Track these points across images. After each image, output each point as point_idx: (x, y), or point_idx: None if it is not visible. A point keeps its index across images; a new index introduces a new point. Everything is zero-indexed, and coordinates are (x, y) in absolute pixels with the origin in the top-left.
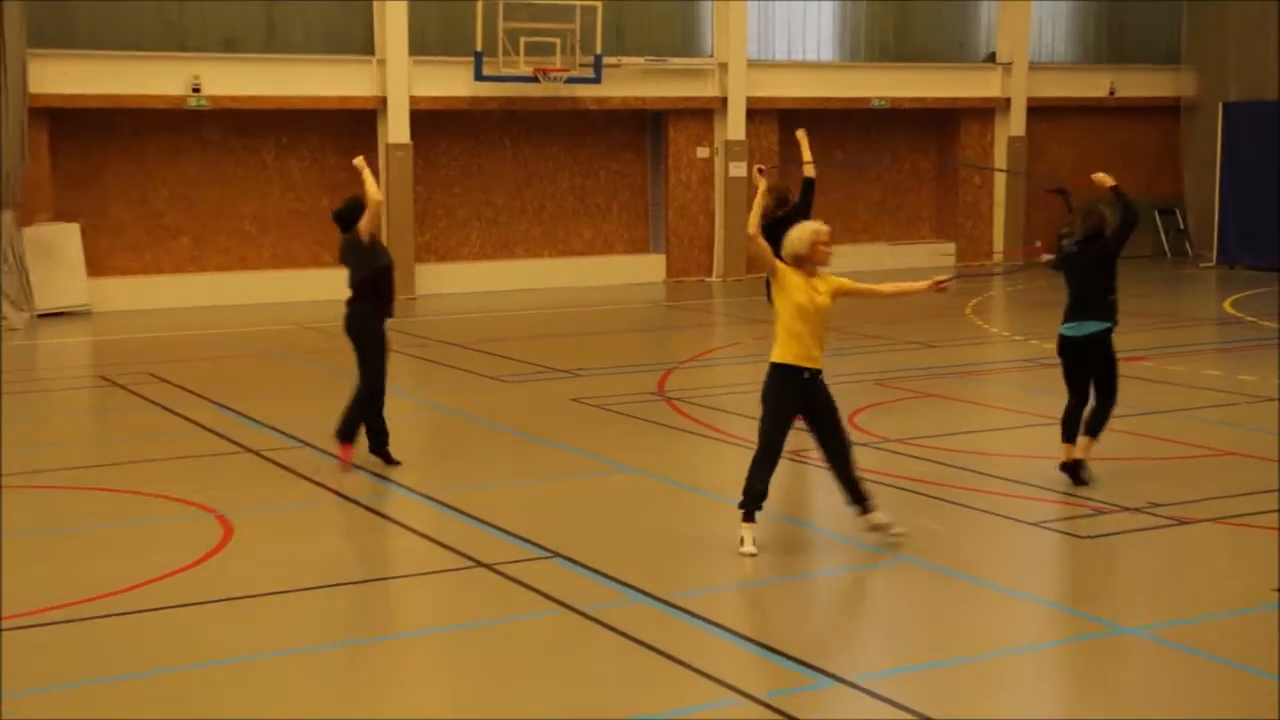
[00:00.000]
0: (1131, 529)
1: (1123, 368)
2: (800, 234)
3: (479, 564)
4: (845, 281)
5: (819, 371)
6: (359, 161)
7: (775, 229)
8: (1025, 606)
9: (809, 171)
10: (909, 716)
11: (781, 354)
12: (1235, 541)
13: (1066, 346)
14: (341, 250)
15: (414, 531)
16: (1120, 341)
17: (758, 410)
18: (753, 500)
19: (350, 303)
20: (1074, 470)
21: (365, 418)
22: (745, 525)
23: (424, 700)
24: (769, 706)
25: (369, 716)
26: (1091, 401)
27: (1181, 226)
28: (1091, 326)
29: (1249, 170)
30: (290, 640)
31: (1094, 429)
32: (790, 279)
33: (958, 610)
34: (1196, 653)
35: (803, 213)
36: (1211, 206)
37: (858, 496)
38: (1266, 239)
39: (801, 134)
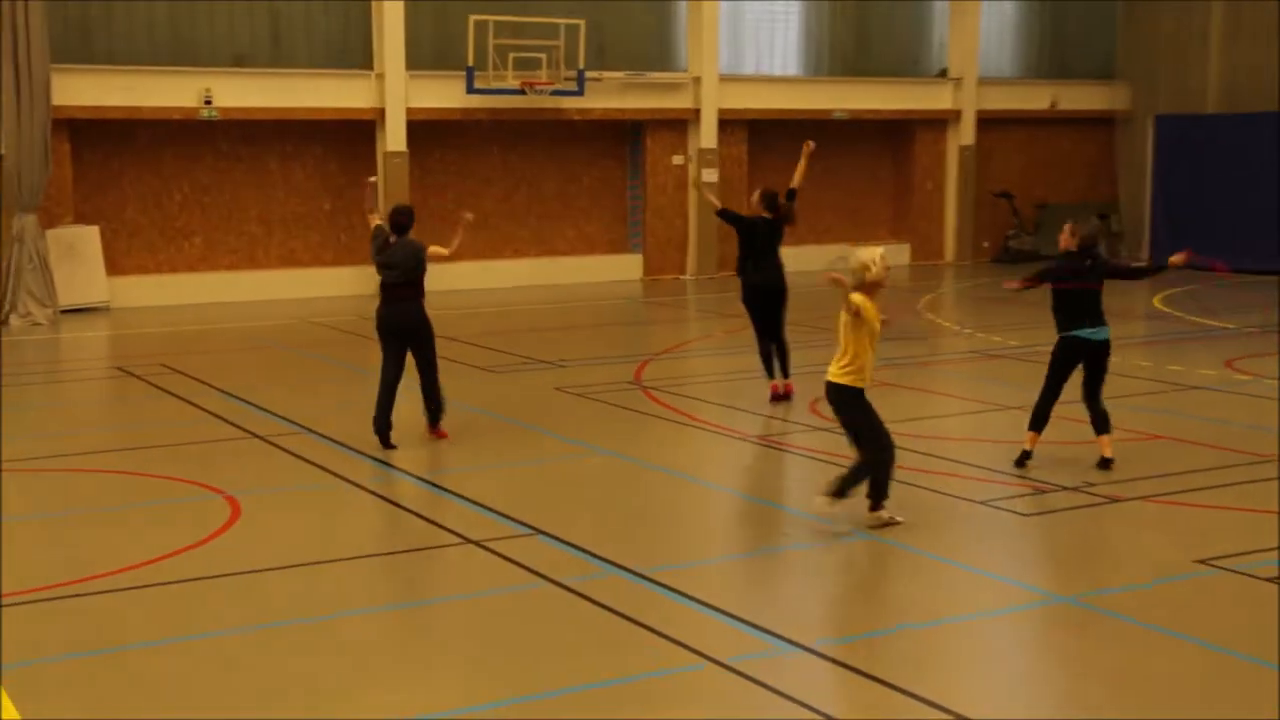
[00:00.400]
0: (1069, 507)
1: None
2: (874, 257)
3: (469, 541)
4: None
5: None
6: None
7: (762, 229)
8: (971, 578)
9: (796, 183)
10: (862, 679)
11: (856, 380)
12: (1162, 517)
13: (1079, 348)
14: (391, 248)
15: (409, 510)
16: (1056, 334)
17: (728, 398)
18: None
19: (401, 298)
20: (1024, 459)
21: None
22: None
23: (419, 665)
24: (733, 670)
25: (368, 681)
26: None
27: (1116, 229)
28: (1105, 332)
29: (1177, 177)
30: (294, 612)
31: (1105, 427)
32: (868, 309)
33: (909, 582)
34: (1125, 618)
35: (787, 218)
36: (1143, 211)
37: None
38: (1193, 241)
39: (807, 148)
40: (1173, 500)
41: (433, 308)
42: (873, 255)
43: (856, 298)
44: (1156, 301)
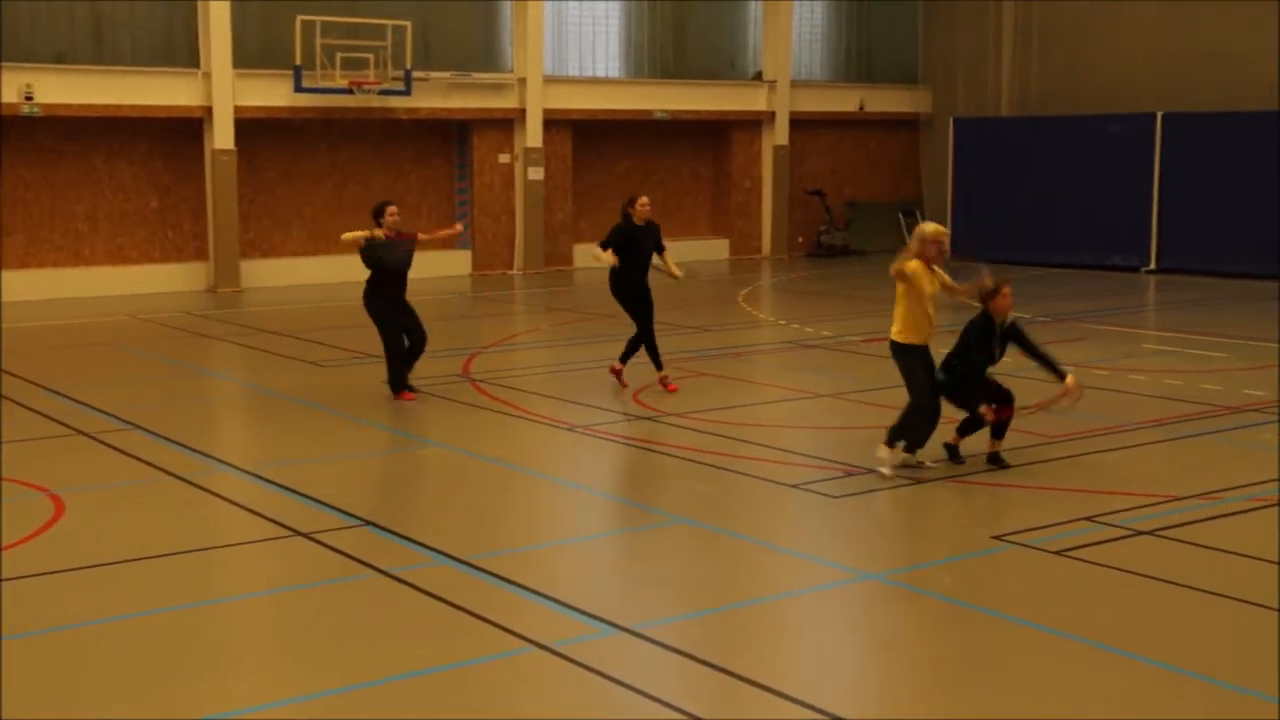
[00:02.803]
0: (875, 488)
1: (867, 347)
2: (923, 231)
3: (297, 533)
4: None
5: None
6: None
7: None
8: (784, 559)
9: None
10: (685, 659)
11: (905, 337)
12: (962, 498)
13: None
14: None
15: (237, 504)
16: (866, 324)
17: (554, 389)
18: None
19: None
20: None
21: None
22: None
23: (244, 658)
24: (558, 654)
25: (193, 676)
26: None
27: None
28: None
29: (975, 176)
30: (122, 607)
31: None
32: (917, 274)
33: (725, 563)
34: (927, 593)
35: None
36: (945, 207)
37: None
38: (990, 235)
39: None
40: (970, 480)
41: (261, 302)
42: (921, 230)
43: (904, 266)
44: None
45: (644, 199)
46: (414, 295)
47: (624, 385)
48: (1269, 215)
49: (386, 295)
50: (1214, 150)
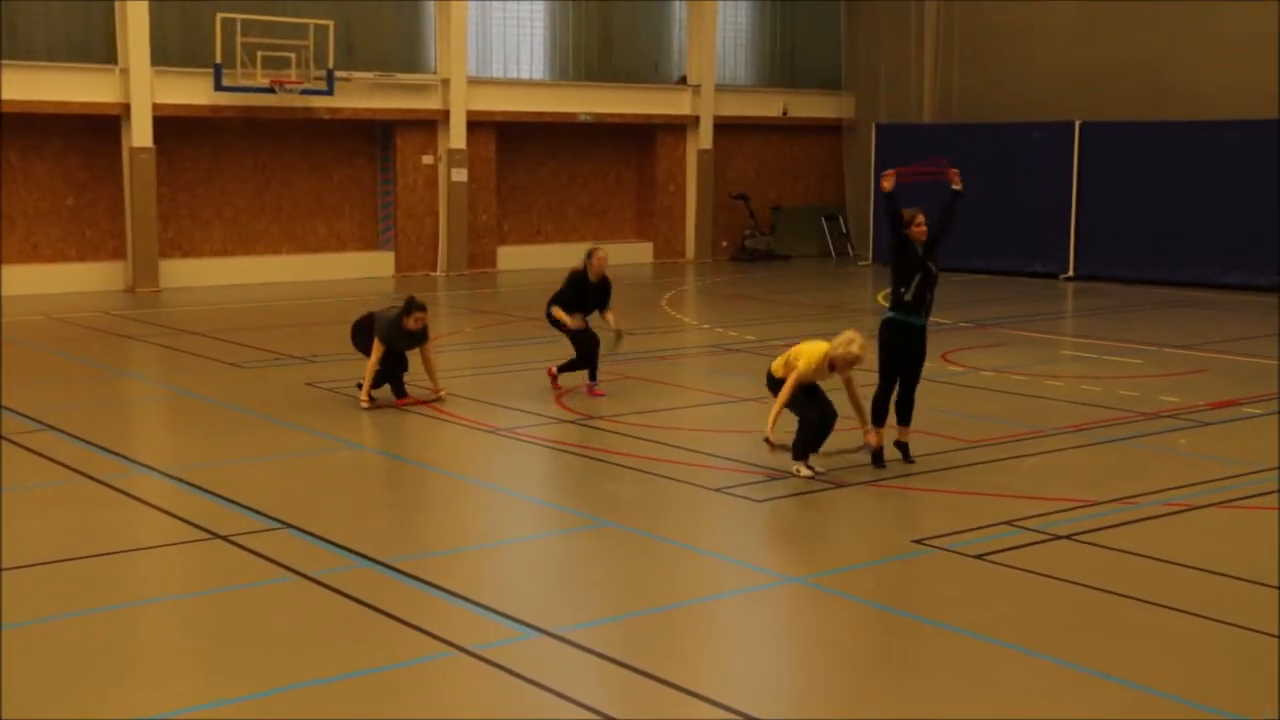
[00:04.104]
0: (797, 492)
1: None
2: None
3: (215, 535)
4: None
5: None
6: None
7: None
8: (707, 562)
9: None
10: (607, 663)
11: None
12: (882, 501)
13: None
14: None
15: (154, 507)
16: (790, 329)
17: (476, 392)
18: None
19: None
20: (880, 454)
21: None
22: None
23: (161, 662)
24: (479, 658)
25: (109, 679)
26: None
27: (844, 230)
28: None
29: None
30: (34, 611)
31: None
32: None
33: (648, 567)
34: (848, 596)
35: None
36: (867, 213)
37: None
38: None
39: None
40: (891, 485)
41: (181, 303)
42: (849, 347)
43: (800, 372)
44: (880, 298)
45: (602, 253)
46: (333, 295)
47: (557, 389)
48: (1185, 223)
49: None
50: (1132, 159)
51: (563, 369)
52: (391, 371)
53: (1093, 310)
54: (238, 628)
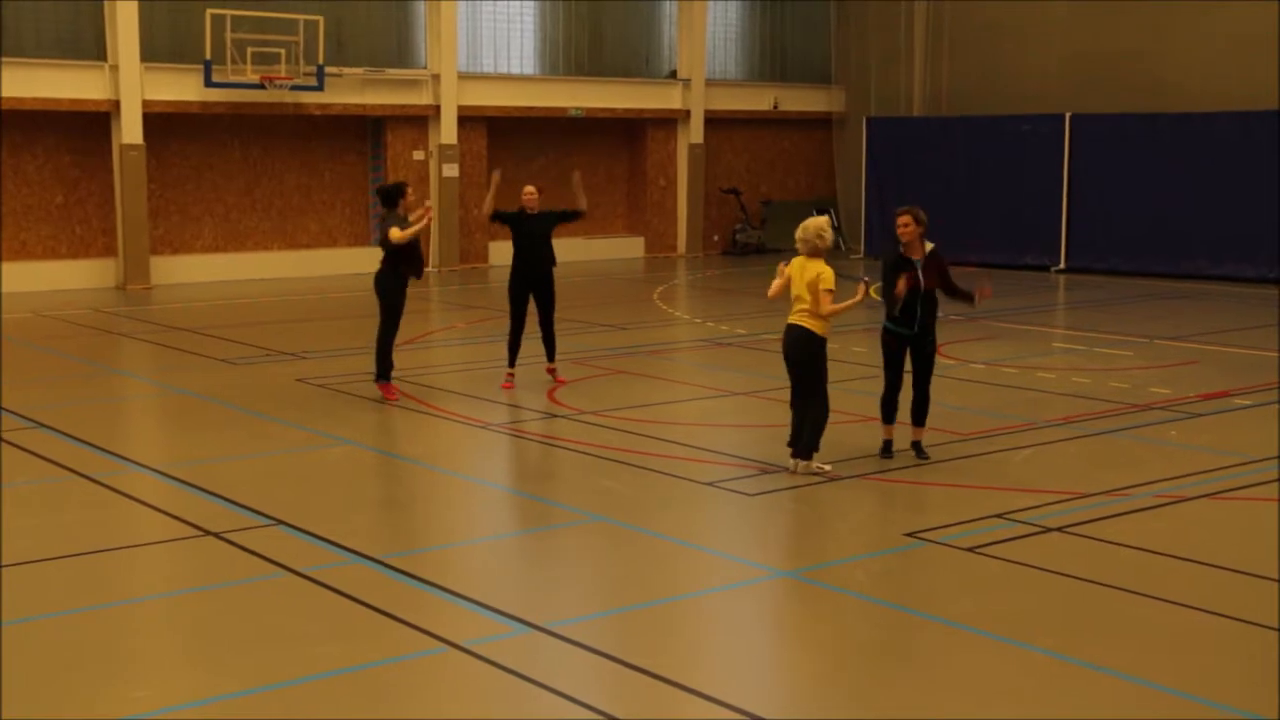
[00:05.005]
0: (790, 486)
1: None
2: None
3: (207, 533)
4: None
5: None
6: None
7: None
8: (699, 556)
9: (580, 205)
10: (600, 659)
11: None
12: (874, 495)
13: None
14: (382, 221)
15: (145, 504)
16: (781, 323)
17: (468, 387)
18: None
19: (381, 264)
20: (889, 445)
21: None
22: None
23: (155, 659)
24: (471, 653)
25: (103, 676)
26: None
27: (835, 223)
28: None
29: (887, 176)
30: (27, 609)
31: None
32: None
33: (640, 561)
34: (841, 590)
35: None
36: (859, 205)
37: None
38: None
39: (577, 178)
40: (882, 478)
41: (172, 299)
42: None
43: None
44: (873, 291)
45: (528, 187)
46: (325, 292)
47: (510, 376)
48: (1176, 216)
49: (403, 274)
50: (1122, 151)
51: (512, 350)
52: (395, 328)
53: (1084, 302)
54: (230, 624)
